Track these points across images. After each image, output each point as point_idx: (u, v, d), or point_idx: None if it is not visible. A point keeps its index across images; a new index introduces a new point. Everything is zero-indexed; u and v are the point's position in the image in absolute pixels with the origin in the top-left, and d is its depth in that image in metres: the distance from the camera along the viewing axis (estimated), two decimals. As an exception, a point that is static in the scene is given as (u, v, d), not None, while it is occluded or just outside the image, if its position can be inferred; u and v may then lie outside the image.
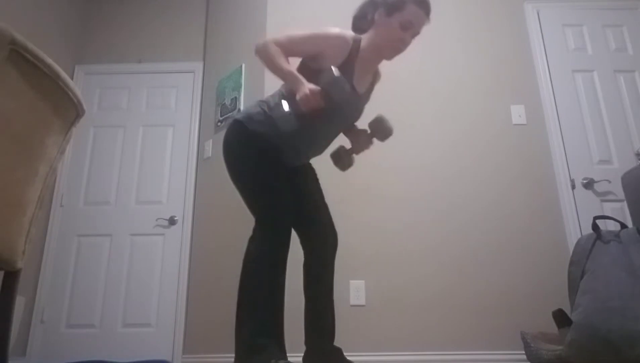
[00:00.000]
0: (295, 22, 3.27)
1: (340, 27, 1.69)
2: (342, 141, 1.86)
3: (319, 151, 1.79)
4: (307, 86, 1.52)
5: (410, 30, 1.62)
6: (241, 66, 3.37)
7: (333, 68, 1.50)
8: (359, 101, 1.74)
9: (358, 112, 1.79)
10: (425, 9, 1.63)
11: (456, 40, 3.25)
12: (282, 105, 1.56)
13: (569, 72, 3.18)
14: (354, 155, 1.80)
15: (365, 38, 1.68)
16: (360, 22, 1.73)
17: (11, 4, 3.18)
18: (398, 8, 1.60)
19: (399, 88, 3.10)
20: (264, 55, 1.63)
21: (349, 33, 1.66)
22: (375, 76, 1.83)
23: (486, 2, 3.35)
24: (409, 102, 3.10)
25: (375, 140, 1.75)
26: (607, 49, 3.24)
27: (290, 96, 1.63)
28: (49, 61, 1.09)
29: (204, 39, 3.98)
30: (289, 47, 1.64)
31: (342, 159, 1.79)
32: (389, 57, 1.67)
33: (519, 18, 3.31)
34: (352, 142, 1.81)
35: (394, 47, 1.64)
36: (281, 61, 1.60)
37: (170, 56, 3.95)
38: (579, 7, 3.35)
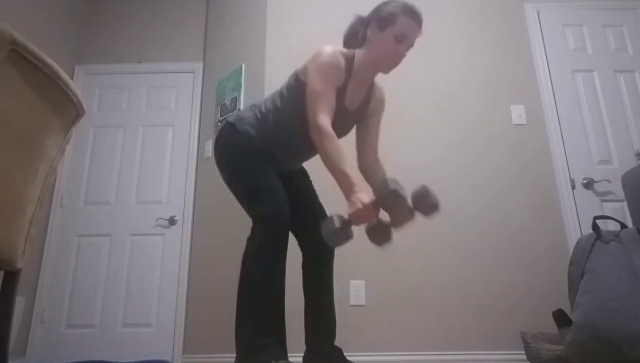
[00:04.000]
0: (295, 22, 3.28)
1: (339, 25, 1.69)
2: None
3: (306, 159, 1.78)
4: (360, 197, 1.39)
5: (405, 42, 1.60)
6: (241, 66, 3.37)
7: (389, 180, 1.36)
8: (347, 118, 1.71)
9: (346, 130, 1.75)
10: (417, 20, 1.61)
11: (456, 40, 3.25)
12: (332, 220, 1.37)
13: (569, 72, 3.18)
14: (393, 230, 1.55)
15: (359, 54, 1.67)
16: (351, 41, 1.71)
17: (11, 4, 3.18)
18: (390, 22, 1.58)
19: (399, 88, 3.10)
20: (327, 148, 1.48)
21: (341, 52, 1.62)
22: (373, 94, 1.76)
23: (486, 2, 3.35)
24: (409, 102, 3.10)
25: (418, 214, 1.50)
26: (607, 49, 3.24)
27: (298, 104, 1.58)
28: (49, 61, 1.09)
29: (204, 39, 3.98)
30: (329, 110, 1.54)
31: (380, 235, 1.53)
32: (386, 70, 1.65)
33: (519, 18, 3.31)
34: (391, 216, 1.54)
35: (391, 60, 1.62)
36: (344, 160, 1.46)
37: (170, 56, 3.95)
38: (579, 7, 3.35)
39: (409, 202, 1.46)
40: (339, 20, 3.39)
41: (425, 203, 1.45)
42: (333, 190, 1.52)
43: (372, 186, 1.72)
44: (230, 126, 1.66)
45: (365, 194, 1.41)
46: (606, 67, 3.20)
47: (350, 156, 1.85)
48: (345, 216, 1.42)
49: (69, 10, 3.88)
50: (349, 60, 1.64)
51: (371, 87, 1.76)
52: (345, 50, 1.66)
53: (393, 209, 1.42)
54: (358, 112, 1.74)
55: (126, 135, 3.74)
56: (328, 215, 1.72)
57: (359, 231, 2.80)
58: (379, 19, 1.61)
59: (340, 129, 1.69)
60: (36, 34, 3.43)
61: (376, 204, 1.38)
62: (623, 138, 3.03)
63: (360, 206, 1.38)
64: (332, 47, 1.61)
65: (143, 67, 3.91)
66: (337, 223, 1.38)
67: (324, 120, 1.50)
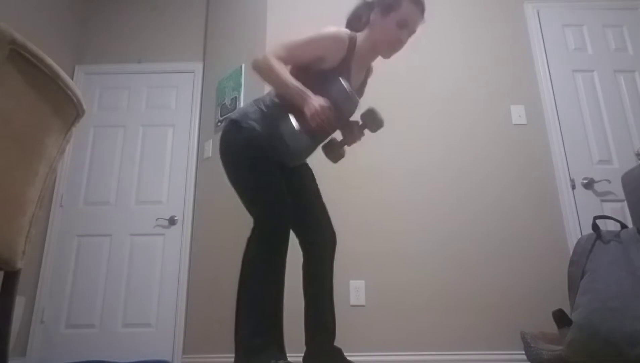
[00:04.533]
0: (295, 22, 3.27)
1: (339, 25, 1.70)
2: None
3: (313, 150, 1.79)
4: (315, 101, 1.48)
5: (407, 28, 1.63)
6: (241, 66, 3.37)
7: (343, 81, 1.46)
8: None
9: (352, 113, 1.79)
10: (421, 8, 1.65)
11: (456, 40, 3.25)
12: (290, 122, 1.49)
13: (569, 72, 3.18)
14: (346, 147, 1.77)
15: (361, 36, 1.69)
16: (354, 24, 1.74)
17: (11, 4, 3.18)
18: (394, 7, 1.61)
19: (399, 88, 3.10)
20: (264, 69, 1.58)
21: (345, 31, 1.66)
22: (368, 71, 1.84)
23: (486, 2, 3.35)
24: (408, 102, 3.10)
25: (367, 131, 1.71)
26: (607, 49, 3.24)
27: (292, 108, 1.59)
28: (49, 61, 1.09)
29: (204, 39, 3.98)
30: (288, 58, 1.61)
31: (334, 151, 1.76)
32: (386, 55, 1.69)
33: (519, 18, 3.31)
34: (343, 134, 1.76)
35: (391, 45, 1.65)
36: (284, 73, 1.55)
37: (170, 56, 3.95)
38: (579, 7, 3.35)
39: (359, 121, 1.67)
40: (339, 21, 3.39)
41: (373, 120, 1.63)
42: (333, 190, 1.52)
43: None
44: (234, 124, 1.64)
45: (320, 99, 1.48)
46: (606, 67, 3.20)
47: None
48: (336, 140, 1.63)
49: (69, 10, 3.88)
50: (352, 41, 1.66)
51: (369, 69, 1.82)
52: (348, 31, 1.68)
53: (347, 112, 1.53)
54: (358, 92, 1.78)
55: (126, 135, 3.74)
56: (334, 228, 1.79)
57: (359, 232, 2.80)
58: (383, 4, 1.64)
59: (345, 115, 1.73)
60: (36, 34, 3.43)
61: (331, 107, 1.46)
62: (623, 138, 3.03)
63: (317, 106, 1.46)
64: (336, 27, 1.65)
65: (143, 67, 3.91)
66: (295, 123, 1.47)
67: (274, 58, 1.57)
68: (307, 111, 1.48)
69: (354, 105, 1.47)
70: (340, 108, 1.47)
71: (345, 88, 1.46)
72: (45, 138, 1.14)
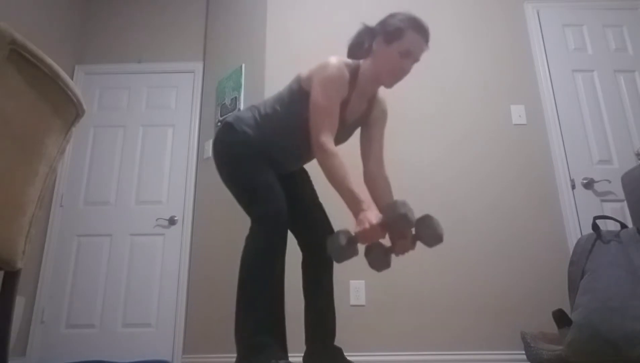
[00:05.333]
0: (295, 22, 3.28)
1: (339, 28, 1.69)
2: (353, 158, 1.77)
3: (306, 162, 1.77)
4: (368, 216, 1.38)
5: (410, 58, 1.58)
6: (241, 66, 3.37)
7: (400, 202, 1.34)
8: (346, 130, 1.70)
9: (343, 138, 1.74)
10: (425, 36, 1.59)
11: (456, 40, 3.25)
12: (339, 237, 1.35)
13: (569, 72, 3.18)
14: (393, 256, 1.52)
15: (363, 65, 1.65)
16: (356, 50, 1.67)
17: (11, 4, 3.18)
18: (397, 36, 1.56)
19: (399, 88, 3.08)
20: (330, 167, 1.48)
21: (346, 64, 1.61)
22: (373, 103, 1.75)
23: (486, 2, 3.35)
24: (408, 102, 3.10)
25: (420, 243, 1.47)
26: (607, 49, 3.24)
27: (299, 106, 1.57)
28: (49, 61, 1.09)
29: (204, 39, 3.98)
30: (334, 128, 1.54)
31: (379, 260, 1.49)
32: (388, 85, 1.63)
33: (519, 18, 3.31)
34: (393, 241, 1.52)
35: (394, 75, 1.60)
36: (348, 177, 1.46)
37: (170, 56, 3.95)
38: (579, 7, 3.35)
39: (412, 230, 1.42)
40: (339, 21, 3.38)
41: (430, 233, 1.41)
42: (333, 191, 1.52)
43: (375, 200, 1.72)
44: (229, 126, 1.65)
45: (373, 213, 1.39)
46: (606, 67, 3.20)
47: (357, 167, 1.84)
48: (352, 233, 1.40)
49: (69, 10, 3.88)
50: (354, 72, 1.63)
51: (373, 98, 1.75)
52: (349, 61, 1.64)
53: (398, 234, 1.39)
54: (357, 122, 1.73)
55: (126, 135, 3.74)
56: (333, 227, 1.74)
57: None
58: (385, 32, 1.58)
59: (337, 141, 1.66)
60: (36, 34, 3.43)
61: (383, 224, 1.35)
62: (623, 138, 3.03)
63: (367, 226, 1.36)
64: (338, 58, 1.59)
65: (143, 67, 3.91)
66: (343, 240, 1.36)
67: (327, 138, 1.50)
68: (358, 225, 1.40)
69: (410, 224, 1.31)
70: (393, 227, 1.34)
71: (399, 209, 1.31)
72: (45, 138, 1.14)
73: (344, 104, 1.61)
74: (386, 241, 1.48)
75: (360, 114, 1.72)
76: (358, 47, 1.66)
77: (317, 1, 3.32)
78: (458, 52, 3.22)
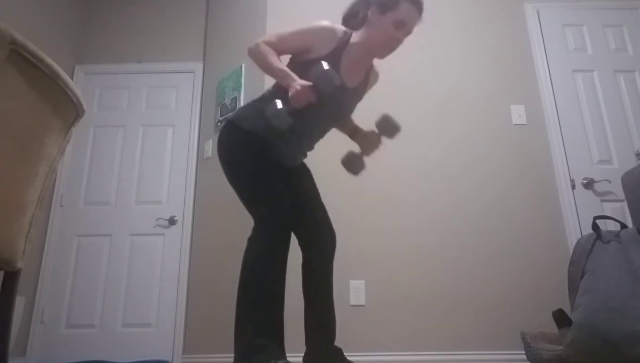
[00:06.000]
0: (296, 22, 3.27)
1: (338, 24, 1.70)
2: (349, 145, 1.85)
3: (310, 147, 1.79)
4: (298, 82, 1.51)
5: (404, 29, 1.61)
6: (241, 66, 3.37)
7: (323, 62, 1.49)
8: (348, 95, 1.72)
9: (348, 107, 1.78)
10: (419, 8, 1.62)
11: (456, 40, 3.25)
12: (275, 103, 1.53)
13: (569, 72, 3.18)
14: (365, 157, 1.77)
15: (356, 34, 1.69)
16: (351, 20, 1.73)
17: (11, 4, 3.18)
18: (391, 7, 1.59)
19: (399, 88, 3.10)
20: (256, 55, 1.64)
21: (339, 26, 1.68)
22: (370, 75, 1.82)
23: (486, 2, 3.35)
24: (409, 102, 3.10)
25: (383, 138, 1.73)
26: (607, 49, 3.24)
27: (280, 93, 1.62)
28: (49, 61, 1.09)
29: (204, 39, 3.98)
30: (279, 45, 1.66)
31: (354, 164, 1.76)
32: (382, 55, 1.66)
33: (519, 18, 3.31)
34: (360, 145, 1.78)
35: (387, 45, 1.63)
36: (272, 59, 1.61)
37: (170, 56, 3.95)
38: (579, 7, 3.35)
39: (375, 129, 1.70)
40: (339, 21, 3.38)
41: (389, 127, 1.67)
42: (333, 191, 1.52)
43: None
44: (232, 124, 1.66)
45: (303, 81, 1.52)
46: (606, 67, 3.20)
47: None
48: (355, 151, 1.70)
49: (69, 10, 3.88)
50: (345, 35, 1.67)
51: (370, 70, 1.80)
52: (343, 27, 1.69)
53: (326, 90, 1.53)
54: (358, 90, 1.76)
55: (126, 135, 3.74)
56: (333, 228, 1.78)
57: (359, 232, 2.80)
58: (380, 3, 1.62)
59: (341, 106, 1.73)
60: (36, 34, 3.43)
61: (312, 87, 1.49)
62: (623, 138, 3.03)
63: (298, 87, 1.49)
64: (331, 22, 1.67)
65: (143, 67, 3.91)
66: (278, 104, 1.49)
67: (264, 41, 1.64)
68: (290, 92, 1.51)
69: (331, 82, 1.47)
70: (319, 86, 1.49)
71: (322, 66, 1.48)
72: (45, 138, 1.14)
73: (336, 64, 1.61)
74: (356, 148, 1.78)
75: (359, 83, 1.76)
76: (353, 16, 1.73)
77: (317, 1, 3.32)
78: (458, 52, 3.22)
